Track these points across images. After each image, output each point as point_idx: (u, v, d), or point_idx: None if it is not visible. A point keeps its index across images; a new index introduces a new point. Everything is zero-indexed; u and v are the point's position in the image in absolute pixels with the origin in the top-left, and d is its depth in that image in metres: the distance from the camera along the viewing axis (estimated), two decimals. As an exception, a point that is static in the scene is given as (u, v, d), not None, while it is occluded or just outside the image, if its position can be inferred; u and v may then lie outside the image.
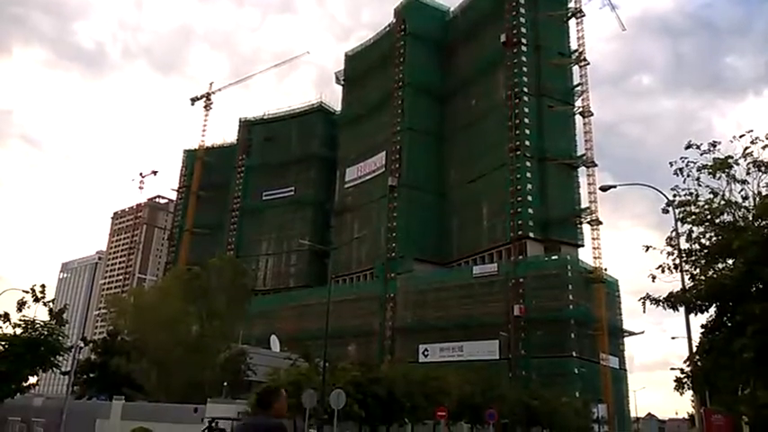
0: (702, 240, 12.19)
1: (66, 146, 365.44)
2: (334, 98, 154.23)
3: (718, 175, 12.14)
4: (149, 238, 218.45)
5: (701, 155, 12.34)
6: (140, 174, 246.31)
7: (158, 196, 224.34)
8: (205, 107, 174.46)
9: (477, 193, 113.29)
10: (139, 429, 19.95)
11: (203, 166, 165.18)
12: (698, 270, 12.33)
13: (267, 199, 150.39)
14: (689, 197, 12.41)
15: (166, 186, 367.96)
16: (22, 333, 22.76)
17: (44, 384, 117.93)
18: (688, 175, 12.45)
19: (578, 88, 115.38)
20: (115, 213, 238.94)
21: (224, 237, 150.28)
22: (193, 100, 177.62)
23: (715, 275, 11.88)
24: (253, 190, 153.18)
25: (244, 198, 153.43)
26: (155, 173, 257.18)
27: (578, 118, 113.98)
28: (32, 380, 31.69)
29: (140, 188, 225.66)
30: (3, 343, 22.42)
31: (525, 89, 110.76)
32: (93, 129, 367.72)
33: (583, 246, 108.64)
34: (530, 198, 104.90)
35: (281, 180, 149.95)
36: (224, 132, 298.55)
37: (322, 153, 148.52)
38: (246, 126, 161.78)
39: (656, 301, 12.65)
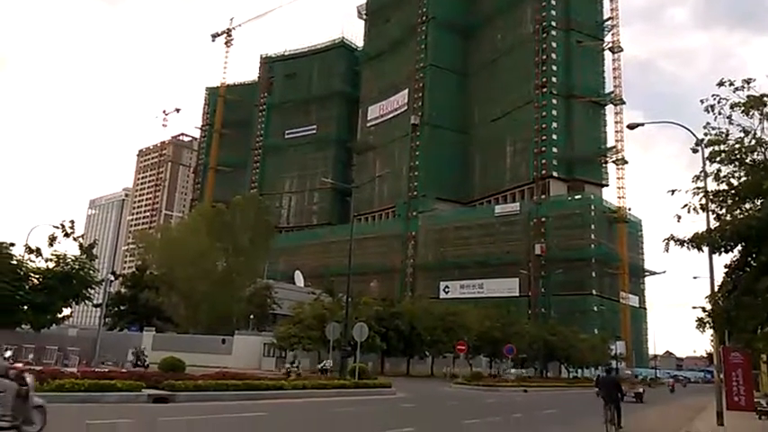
0: (731, 180, 11.93)
1: (90, 82, 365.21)
2: (356, 34, 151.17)
3: (751, 113, 11.76)
4: (174, 176, 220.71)
5: (734, 92, 11.91)
6: (164, 111, 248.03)
7: (182, 134, 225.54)
8: (226, 44, 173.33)
9: (501, 131, 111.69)
10: (170, 359, 20.78)
11: (225, 104, 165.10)
12: (724, 210, 12.13)
13: (289, 137, 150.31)
14: (719, 136, 12.08)
15: (190, 124, 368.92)
16: (54, 267, 23.41)
17: (77, 316, 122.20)
18: (719, 113, 12.06)
19: (608, 23, 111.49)
20: (140, 151, 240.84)
21: (248, 174, 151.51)
22: (214, 36, 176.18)
23: (741, 216, 11.70)
24: (275, 128, 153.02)
25: (266, 136, 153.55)
26: (178, 110, 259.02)
27: (608, 54, 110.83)
28: (66, 312, 33.01)
29: (164, 126, 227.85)
30: (37, 276, 23.15)
31: (553, 23, 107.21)
32: (117, 65, 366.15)
33: (607, 185, 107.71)
34: (555, 137, 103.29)
35: (303, 118, 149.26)
36: (245, 70, 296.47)
37: (344, 90, 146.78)
38: (267, 63, 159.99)
39: (681, 242, 12.50)
